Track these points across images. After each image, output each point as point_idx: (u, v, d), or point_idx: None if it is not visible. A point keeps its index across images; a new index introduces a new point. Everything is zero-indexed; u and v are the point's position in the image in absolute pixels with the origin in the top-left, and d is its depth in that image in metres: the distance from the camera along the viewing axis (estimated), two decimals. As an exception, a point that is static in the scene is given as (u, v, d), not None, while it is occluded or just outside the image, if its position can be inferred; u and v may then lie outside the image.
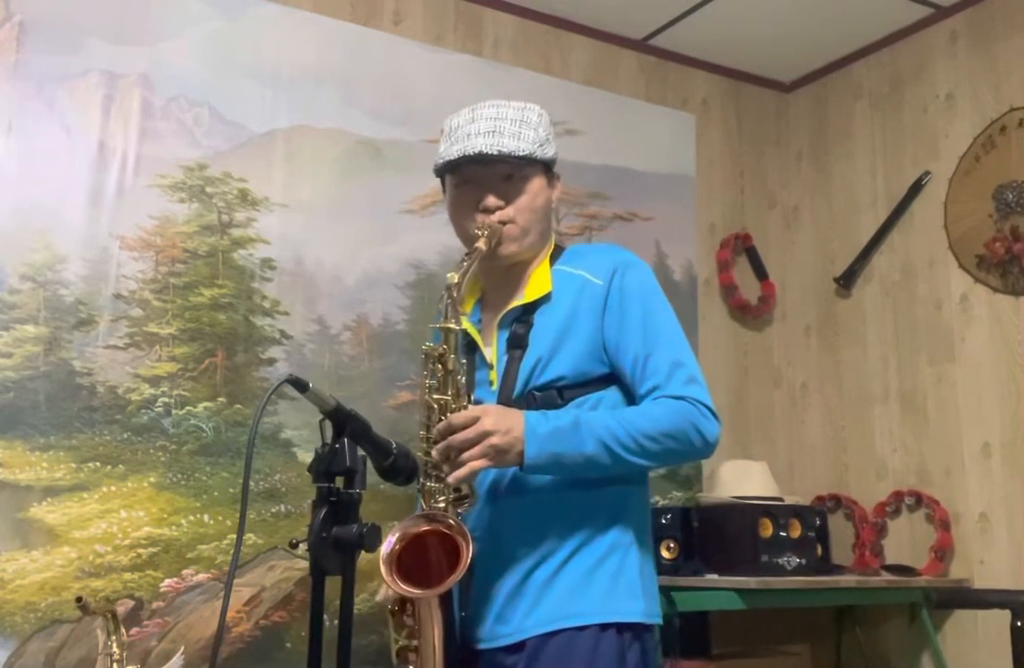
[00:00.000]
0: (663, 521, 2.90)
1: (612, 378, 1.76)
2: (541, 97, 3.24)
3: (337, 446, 1.44)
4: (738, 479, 3.06)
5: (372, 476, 1.47)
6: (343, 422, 1.46)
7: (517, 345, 1.75)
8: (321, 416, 1.46)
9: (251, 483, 2.56)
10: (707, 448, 1.69)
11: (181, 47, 2.74)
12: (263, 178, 2.79)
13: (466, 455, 1.55)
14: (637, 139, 3.49)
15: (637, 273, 1.78)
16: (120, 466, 2.47)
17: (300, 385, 1.41)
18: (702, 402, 1.68)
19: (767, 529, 2.85)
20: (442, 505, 1.61)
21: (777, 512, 2.90)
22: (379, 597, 1.82)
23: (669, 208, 3.51)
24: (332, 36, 2.97)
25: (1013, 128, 3.10)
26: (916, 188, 3.36)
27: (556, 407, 1.70)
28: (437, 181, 1.87)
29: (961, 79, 3.29)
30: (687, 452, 1.70)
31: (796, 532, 2.90)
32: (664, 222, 3.49)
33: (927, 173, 3.33)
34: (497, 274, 1.82)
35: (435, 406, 1.63)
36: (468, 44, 3.24)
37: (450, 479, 1.56)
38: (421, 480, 1.63)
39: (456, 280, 1.66)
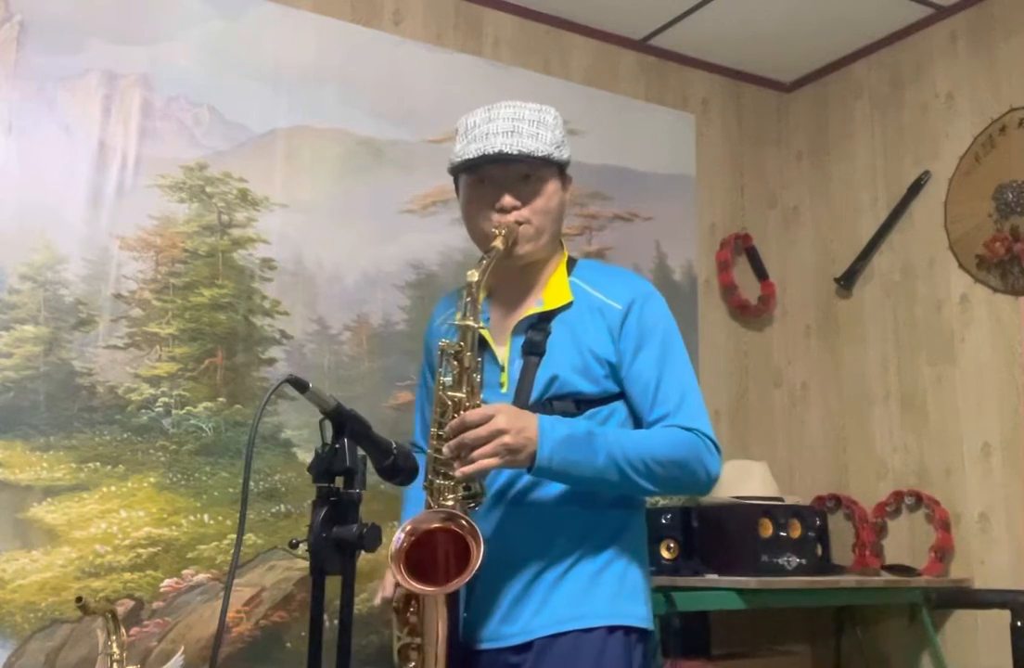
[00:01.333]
0: (663, 521, 2.90)
1: (623, 394, 1.78)
2: (541, 97, 3.23)
3: (337, 446, 1.44)
4: (738, 479, 3.06)
5: (372, 476, 1.47)
6: (343, 422, 1.46)
7: (534, 351, 1.75)
8: (321, 416, 1.46)
9: (251, 483, 2.56)
10: (709, 482, 1.73)
11: (181, 47, 2.74)
12: (263, 178, 2.79)
13: (477, 452, 1.55)
14: (637, 139, 3.49)
15: (656, 304, 1.81)
16: (120, 466, 2.47)
17: (300, 385, 1.41)
18: (710, 437, 1.72)
19: (767, 529, 2.85)
20: (451, 503, 1.61)
21: (777, 512, 2.90)
22: (377, 600, 1.81)
23: (669, 208, 3.51)
24: (332, 36, 2.97)
25: (1013, 128, 3.10)
26: (916, 188, 3.36)
27: (571, 416, 1.72)
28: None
29: (961, 79, 3.28)
30: (689, 483, 1.73)
31: (796, 532, 2.90)
32: (664, 222, 3.49)
33: (927, 173, 3.33)
34: (508, 274, 1.82)
35: (449, 403, 1.64)
36: (468, 44, 3.24)
37: (458, 473, 1.56)
38: (429, 477, 1.63)
39: (476, 278, 1.66)
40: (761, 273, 3.67)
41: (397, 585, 1.70)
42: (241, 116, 2.79)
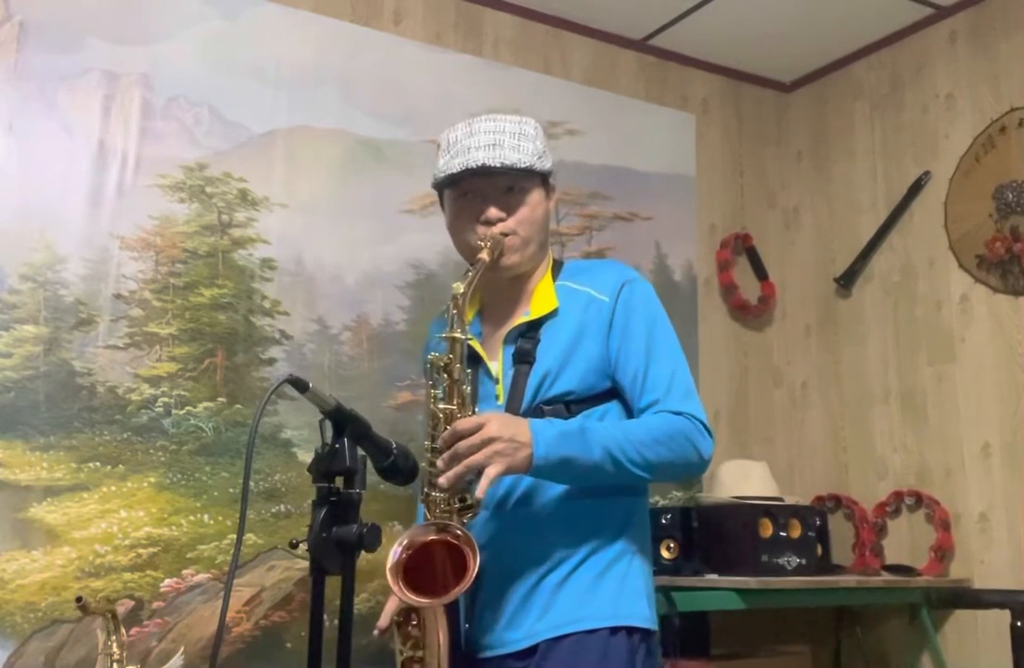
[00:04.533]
0: (663, 521, 2.90)
1: (616, 391, 1.79)
2: (541, 97, 3.26)
3: (337, 446, 1.44)
4: (738, 479, 3.06)
5: (372, 476, 1.47)
6: (343, 422, 1.46)
7: (524, 360, 1.76)
8: (321, 416, 1.46)
9: (251, 483, 2.56)
10: (702, 464, 1.74)
11: (181, 47, 2.74)
12: (263, 178, 2.79)
13: (470, 460, 1.55)
14: (637, 139, 3.48)
15: (642, 291, 1.82)
16: (120, 466, 2.47)
17: (300, 385, 1.41)
18: (699, 419, 1.72)
19: (767, 529, 2.85)
20: (447, 515, 1.61)
21: (777, 512, 2.90)
22: (375, 632, 1.78)
23: (669, 208, 3.51)
24: (332, 36, 2.97)
25: (1013, 128, 3.10)
26: (916, 188, 3.36)
27: (564, 419, 1.72)
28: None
29: (961, 79, 3.28)
30: (683, 467, 1.73)
31: (796, 532, 2.90)
32: (664, 222, 3.49)
33: (927, 173, 3.33)
34: (498, 287, 1.83)
35: (441, 416, 1.64)
36: (468, 44, 3.24)
37: (478, 493, 1.55)
38: (425, 490, 1.63)
39: (461, 290, 1.66)
40: (761, 273, 3.67)
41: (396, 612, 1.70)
42: (241, 116, 2.79)
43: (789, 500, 3.07)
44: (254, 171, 2.78)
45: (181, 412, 2.57)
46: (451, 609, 1.62)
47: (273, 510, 2.63)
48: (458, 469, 1.55)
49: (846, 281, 3.52)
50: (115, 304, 2.55)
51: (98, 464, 2.45)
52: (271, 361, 2.72)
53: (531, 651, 1.66)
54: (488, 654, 1.69)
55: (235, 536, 2.45)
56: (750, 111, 3.83)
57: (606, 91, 3.47)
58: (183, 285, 2.64)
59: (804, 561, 2.88)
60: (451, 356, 1.64)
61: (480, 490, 1.55)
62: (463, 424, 1.57)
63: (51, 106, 2.55)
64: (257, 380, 2.69)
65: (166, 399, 2.56)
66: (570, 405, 1.74)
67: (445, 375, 1.65)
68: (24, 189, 2.49)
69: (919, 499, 3.16)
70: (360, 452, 1.46)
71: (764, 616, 3.13)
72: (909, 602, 3.05)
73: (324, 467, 1.44)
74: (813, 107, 3.80)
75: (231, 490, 2.58)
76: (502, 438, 1.56)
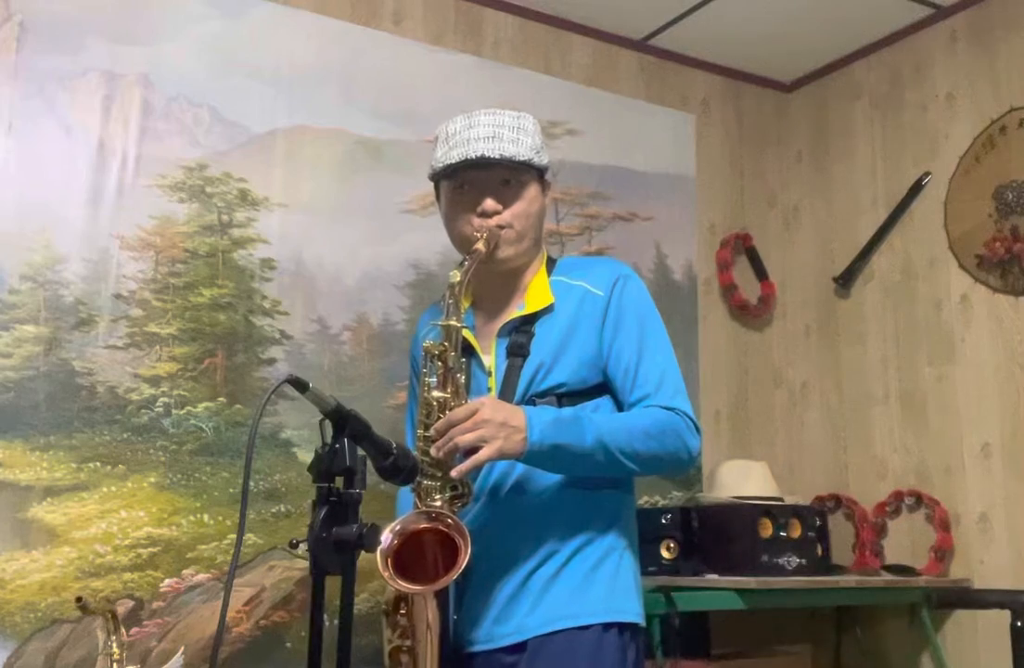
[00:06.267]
0: (663, 521, 2.90)
1: (608, 386, 1.80)
2: (541, 97, 3.26)
3: (337, 446, 1.44)
4: (738, 479, 3.06)
5: (372, 476, 1.47)
6: (343, 422, 1.46)
7: (518, 353, 1.77)
8: (321, 416, 1.46)
9: (251, 483, 2.56)
10: (690, 460, 1.75)
11: (181, 47, 2.74)
12: (263, 178, 2.79)
13: (461, 438, 1.55)
14: (637, 139, 3.48)
15: (636, 287, 1.83)
16: (120, 466, 2.47)
17: (300, 385, 1.41)
18: (689, 416, 1.74)
19: (767, 529, 2.85)
20: (438, 503, 1.61)
21: (777, 512, 2.90)
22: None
23: (669, 208, 3.51)
24: (332, 36, 2.97)
25: (1013, 128, 3.10)
26: (916, 188, 3.36)
27: None
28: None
29: (961, 79, 3.28)
30: (672, 462, 1.74)
31: (796, 532, 2.90)
32: (664, 222, 3.49)
33: (927, 173, 3.33)
34: (491, 280, 1.83)
35: (434, 403, 1.64)
36: (468, 44, 3.24)
37: (453, 473, 1.56)
38: (417, 479, 1.63)
39: (458, 279, 1.67)
40: (761, 273, 3.67)
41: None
42: (241, 116, 2.79)
43: (789, 500, 3.08)
44: (254, 171, 2.78)
45: (181, 412, 2.57)
46: (442, 600, 1.62)
47: (273, 510, 2.63)
48: (449, 445, 1.56)
49: (846, 281, 3.52)
50: (115, 304, 2.55)
51: (98, 464, 2.45)
52: (271, 361, 2.72)
53: (521, 646, 1.66)
54: (477, 648, 1.69)
55: (235, 536, 2.45)
56: (750, 111, 3.83)
57: (606, 91, 3.47)
58: (183, 285, 2.64)
59: (804, 561, 2.88)
60: (446, 344, 1.65)
61: (456, 470, 1.56)
62: (456, 413, 1.58)
63: (51, 106, 2.55)
64: (257, 380, 2.69)
65: (166, 399, 2.56)
66: (562, 398, 1.74)
67: (439, 363, 1.65)
68: (24, 189, 2.49)
69: (919, 499, 3.16)
70: (360, 452, 1.46)
71: (764, 616, 3.13)
72: (909, 602, 3.05)
73: (324, 467, 1.44)
74: (813, 107, 3.80)
75: (231, 490, 2.58)
76: (494, 421, 1.56)
